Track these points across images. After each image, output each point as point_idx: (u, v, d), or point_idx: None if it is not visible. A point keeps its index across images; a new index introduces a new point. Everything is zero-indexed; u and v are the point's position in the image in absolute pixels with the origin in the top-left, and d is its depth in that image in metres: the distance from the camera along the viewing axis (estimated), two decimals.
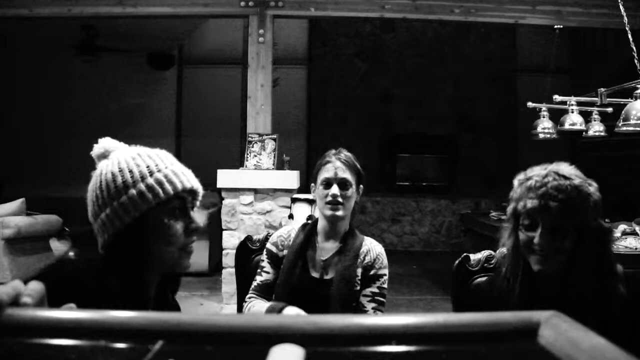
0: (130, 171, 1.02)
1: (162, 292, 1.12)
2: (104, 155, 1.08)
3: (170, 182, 1.03)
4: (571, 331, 0.41)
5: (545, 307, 1.38)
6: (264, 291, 1.70)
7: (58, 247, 5.19)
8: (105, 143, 1.09)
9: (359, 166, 1.72)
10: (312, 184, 1.74)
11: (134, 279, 1.03)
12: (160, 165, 1.04)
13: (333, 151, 1.74)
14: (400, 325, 0.45)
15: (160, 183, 1.02)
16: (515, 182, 1.29)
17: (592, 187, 1.23)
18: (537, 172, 1.25)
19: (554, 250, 1.21)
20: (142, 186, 1.01)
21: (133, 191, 1.01)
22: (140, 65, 7.95)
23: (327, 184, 1.67)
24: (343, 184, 1.66)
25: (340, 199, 1.65)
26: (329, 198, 1.65)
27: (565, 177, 1.21)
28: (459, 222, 6.90)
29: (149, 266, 1.05)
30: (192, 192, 1.09)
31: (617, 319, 1.20)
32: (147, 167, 1.03)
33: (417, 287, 5.27)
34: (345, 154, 1.72)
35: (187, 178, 1.07)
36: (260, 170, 4.31)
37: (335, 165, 1.67)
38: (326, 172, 1.68)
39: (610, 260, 1.26)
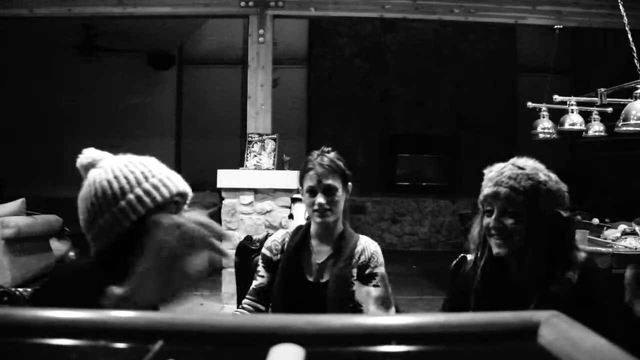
0: (126, 177, 1.06)
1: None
2: (92, 165, 1.10)
3: (166, 185, 1.08)
4: (571, 331, 0.41)
5: (504, 288, 1.42)
6: (258, 295, 1.70)
7: (58, 247, 5.20)
8: (91, 153, 1.12)
9: (343, 166, 1.68)
10: (300, 188, 1.73)
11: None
12: (154, 171, 1.09)
13: (315, 154, 1.69)
14: (400, 325, 0.45)
15: (156, 187, 1.07)
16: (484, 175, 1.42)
17: (547, 177, 1.32)
18: (500, 165, 1.37)
19: (507, 232, 1.31)
20: (139, 191, 1.05)
21: (131, 196, 1.05)
22: (140, 65, 7.94)
23: (312, 192, 1.65)
24: (328, 190, 1.64)
25: (327, 206, 1.63)
26: (316, 207, 1.64)
27: (520, 167, 1.33)
28: (458, 222, 6.88)
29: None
30: (184, 196, 1.14)
31: (558, 303, 1.23)
32: (142, 172, 1.08)
33: (417, 287, 5.26)
34: (327, 156, 1.67)
35: (179, 182, 1.12)
36: (260, 170, 4.30)
37: (318, 172, 1.63)
38: (309, 180, 1.65)
39: (566, 248, 1.34)
